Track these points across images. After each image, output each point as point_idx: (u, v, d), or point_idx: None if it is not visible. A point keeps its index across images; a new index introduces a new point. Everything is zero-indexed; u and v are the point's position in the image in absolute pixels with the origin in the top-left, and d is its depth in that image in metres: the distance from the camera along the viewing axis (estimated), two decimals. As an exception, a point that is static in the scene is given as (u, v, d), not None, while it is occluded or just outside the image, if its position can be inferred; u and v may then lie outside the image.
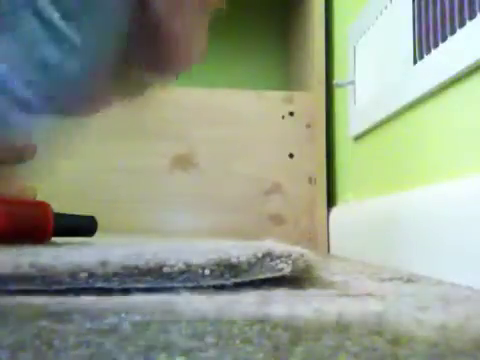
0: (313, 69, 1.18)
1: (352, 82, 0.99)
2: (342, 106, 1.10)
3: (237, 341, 0.18)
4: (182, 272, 0.32)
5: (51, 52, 0.30)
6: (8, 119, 0.30)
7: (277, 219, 1.14)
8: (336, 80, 1.11)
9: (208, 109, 1.16)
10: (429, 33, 0.64)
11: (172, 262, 0.33)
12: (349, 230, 0.98)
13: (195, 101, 1.15)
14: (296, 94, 1.19)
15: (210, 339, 0.18)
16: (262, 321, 0.21)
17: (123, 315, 0.22)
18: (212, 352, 0.17)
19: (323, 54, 1.17)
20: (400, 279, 0.51)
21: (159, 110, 1.12)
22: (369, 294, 0.34)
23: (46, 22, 0.29)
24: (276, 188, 1.15)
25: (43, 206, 0.62)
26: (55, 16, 0.29)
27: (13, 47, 0.29)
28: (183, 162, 1.14)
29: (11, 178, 0.59)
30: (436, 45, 0.62)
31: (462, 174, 0.59)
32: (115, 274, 0.32)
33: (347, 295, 0.33)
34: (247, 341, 0.18)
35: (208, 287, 0.32)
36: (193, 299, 0.30)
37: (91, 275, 0.31)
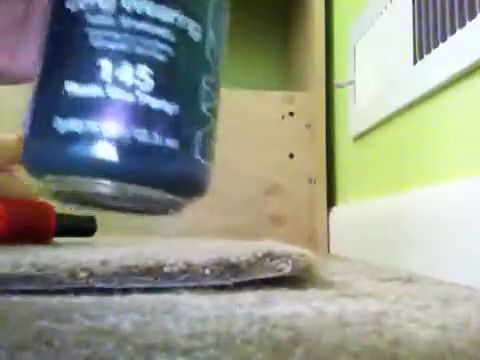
0: (313, 69, 1.18)
1: (352, 82, 0.99)
2: (342, 106, 1.10)
3: (237, 341, 0.18)
4: (182, 272, 0.32)
5: None
6: None
7: (277, 219, 1.14)
8: (336, 80, 1.11)
9: (208, 109, 1.15)
10: (429, 33, 0.64)
11: (172, 262, 0.33)
12: (349, 230, 0.98)
13: (195, 101, 1.15)
14: (296, 94, 1.18)
15: (210, 339, 0.18)
16: (262, 321, 0.21)
17: (123, 315, 0.22)
18: (212, 352, 0.17)
19: (323, 54, 1.17)
20: (400, 279, 0.51)
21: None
22: (369, 294, 0.34)
23: None
24: (276, 188, 1.15)
25: (45, 206, 0.62)
26: None
27: None
28: (183, 162, 1.14)
29: (14, 178, 0.59)
30: (436, 45, 0.62)
31: (462, 174, 0.59)
32: (115, 274, 0.32)
33: (347, 295, 0.33)
34: (247, 341, 0.18)
35: (208, 287, 0.32)
36: (193, 299, 0.30)
37: (91, 275, 0.31)
